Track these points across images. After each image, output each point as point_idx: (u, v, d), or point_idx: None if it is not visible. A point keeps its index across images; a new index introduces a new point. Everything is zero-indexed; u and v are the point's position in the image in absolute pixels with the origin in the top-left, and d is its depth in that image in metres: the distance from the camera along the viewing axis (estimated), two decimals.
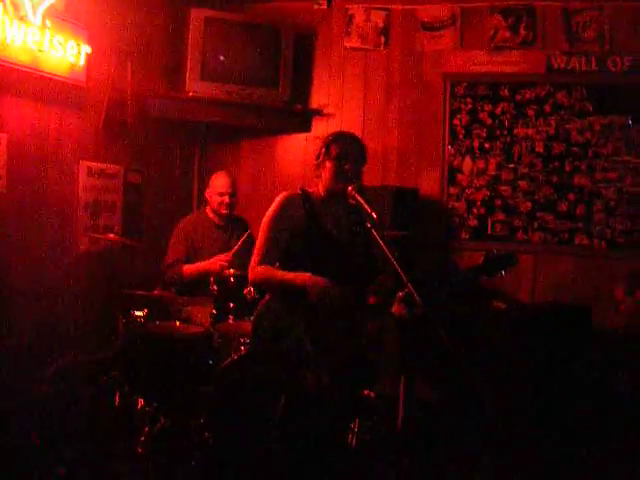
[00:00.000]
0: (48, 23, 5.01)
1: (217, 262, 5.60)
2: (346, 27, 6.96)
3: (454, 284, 4.06)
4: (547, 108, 6.54)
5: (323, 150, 4.05)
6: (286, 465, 3.96)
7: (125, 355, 5.00)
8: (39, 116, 5.32)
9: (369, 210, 3.76)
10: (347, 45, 6.99)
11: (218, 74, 6.59)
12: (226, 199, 5.88)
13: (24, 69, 4.95)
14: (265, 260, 3.99)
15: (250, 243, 5.79)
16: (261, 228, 4.07)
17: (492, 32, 6.64)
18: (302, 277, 3.84)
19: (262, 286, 4.24)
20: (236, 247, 5.64)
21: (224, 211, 5.91)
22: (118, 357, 5.06)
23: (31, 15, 4.88)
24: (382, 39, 6.91)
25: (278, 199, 4.07)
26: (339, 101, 7.02)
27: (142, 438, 4.67)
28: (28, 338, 5.23)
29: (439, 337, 3.36)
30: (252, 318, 4.18)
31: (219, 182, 5.95)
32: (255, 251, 4.06)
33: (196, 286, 5.66)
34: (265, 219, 4.05)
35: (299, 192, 4.09)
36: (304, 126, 7.09)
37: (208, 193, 6.03)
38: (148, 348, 4.94)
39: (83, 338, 5.65)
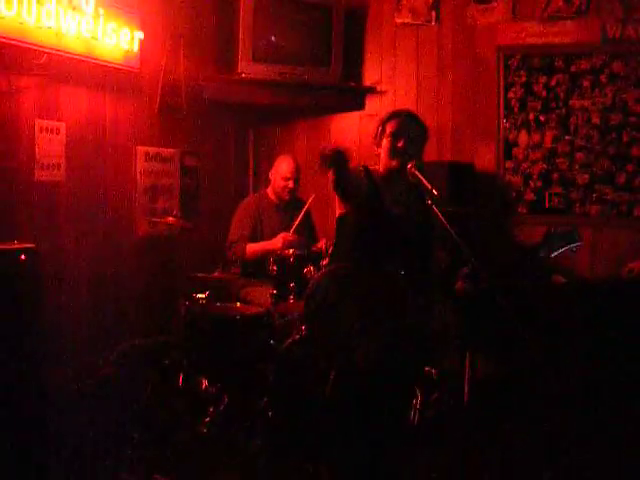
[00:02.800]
0: (101, 11, 5.04)
1: (280, 240, 5.63)
2: (396, 3, 6.91)
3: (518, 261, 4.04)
4: (603, 78, 6.43)
5: (380, 129, 4.06)
6: (346, 443, 3.97)
7: (188, 337, 5.05)
8: (95, 103, 5.37)
9: (429, 187, 3.76)
10: (398, 21, 6.94)
11: (269, 55, 6.59)
12: (290, 184, 5.93)
13: (79, 57, 5.00)
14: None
15: (309, 221, 5.82)
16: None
17: (545, 2, 6.54)
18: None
19: None
20: (296, 222, 5.65)
21: (287, 196, 5.95)
22: (181, 339, 5.11)
23: (84, 4, 4.92)
24: (433, 14, 6.85)
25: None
26: (392, 78, 6.98)
27: (206, 419, 4.72)
28: (91, 323, 5.31)
29: (503, 312, 3.35)
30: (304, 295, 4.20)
31: (285, 166, 6.00)
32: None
33: (257, 267, 5.70)
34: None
35: (361, 167, 4.11)
36: (357, 104, 7.06)
37: (272, 175, 6.09)
38: (210, 329, 4.98)
39: (145, 321, 5.72)
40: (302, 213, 5.74)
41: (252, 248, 5.79)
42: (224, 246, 5.92)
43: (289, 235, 5.63)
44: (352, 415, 3.89)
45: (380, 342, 3.84)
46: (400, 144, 4.02)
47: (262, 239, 5.84)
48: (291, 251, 5.34)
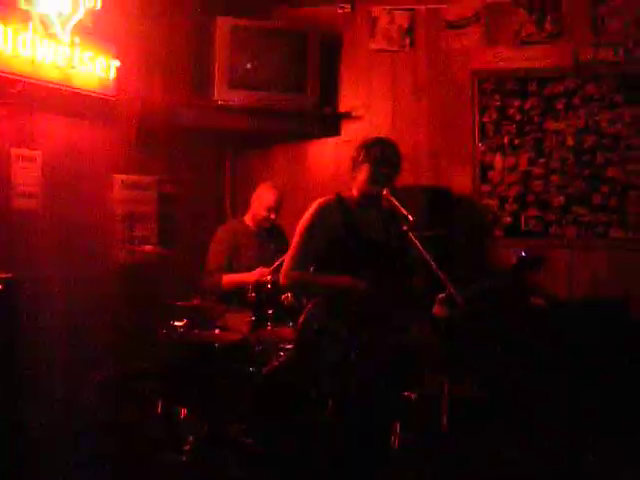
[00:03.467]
0: (77, 39, 5.04)
1: (257, 275, 5.61)
2: (371, 29, 6.97)
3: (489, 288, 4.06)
4: (576, 101, 6.50)
5: (362, 153, 4.07)
6: (329, 468, 3.97)
7: (166, 365, 5.03)
8: (71, 132, 5.36)
9: (405, 212, 3.78)
10: (373, 47, 6.99)
11: (246, 82, 6.62)
12: (272, 214, 5.89)
13: (55, 86, 4.98)
14: (299, 266, 4.02)
15: (284, 250, 5.81)
16: (296, 234, 4.09)
17: (517, 27, 6.62)
18: (343, 279, 3.87)
19: (296, 290, 4.28)
20: (277, 262, 5.63)
21: (267, 225, 5.93)
22: (159, 367, 5.09)
23: (60, 33, 4.91)
24: (407, 40, 6.91)
25: (313, 207, 4.09)
26: (367, 103, 7.02)
27: (186, 447, 4.70)
28: (69, 351, 5.28)
29: (481, 335, 3.36)
30: (295, 325, 4.20)
31: (268, 196, 5.94)
32: (289, 257, 4.09)
33: (234, 294, 5.69)
34: (300, 226, 4.08)
35: (334, 198, 4.11)
36: (333, 130, 7.10)
37: (253, 202, 6.03)
38: (189, 357, 4.97)
39: (124, 349, 5.68)
40: (283, 257, 5.71)
41: (228, 279, 5.77)
42: (201, 275, 5.90)
43: (267, 272, 5.59)
44: (351, 439, 3.89)
45: (372, 368, 3.85)
46: (385, 170, 4.03)
47: (239, 266, 5.83)
48: (269, 278, 5.34)
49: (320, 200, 4.11)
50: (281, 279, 4.09)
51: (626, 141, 6.36)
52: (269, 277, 5.36)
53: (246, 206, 6.18)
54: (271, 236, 6.02)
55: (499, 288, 4.00)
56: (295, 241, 4.08)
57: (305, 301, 4.29)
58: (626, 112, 6.36)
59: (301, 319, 4.10)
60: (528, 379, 5.07)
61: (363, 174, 4.05)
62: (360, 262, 3.96)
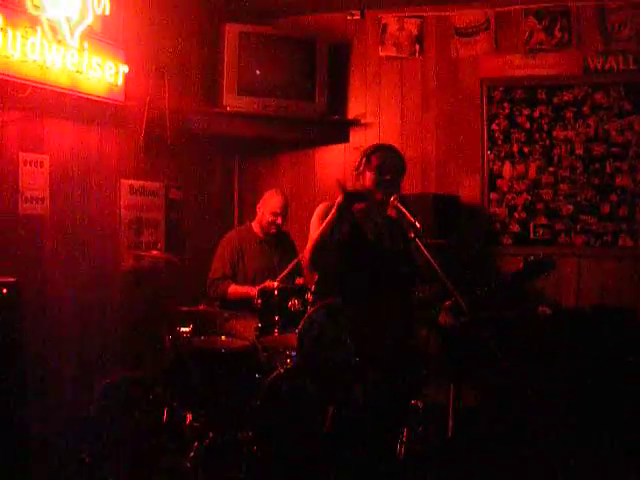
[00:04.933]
0: (86, 45, 5.05)
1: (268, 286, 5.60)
2: (380, 36, 6.97)
3: (495, 290, 4.04)
4: (585, 109, 6.49)
5: (364, 160, 4.07)
6: (335, 477, 3.96)
7: (172, 371, 5.02)
8: (80, 136, 5.37)
9: (412, 219, 3.76)
10: (382, 54, 7.00)
11: (254, 88, 6.63)
12: (279, 220, 5.93)
13: (64, 91, 4.99)
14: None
15: (297, 267, 5.79)
16: (312, 220, 4.12)
17: (527, 35, 6.61)
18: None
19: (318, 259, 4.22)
20: (284, 273, 5.62)
21: (274, 230, 5.94)
22: (165, 373, 5.08)
23: (69, 38, 4.92)
24: (417, 47, 6.90)
25: (319, 208, 4.09)
26: (376, 110, 7.03)
27: (191, 454, 4.68)
28: (75, 357, 5.28)
29: (487, 344, 3.34)
30: (297, 331, 4.17)
31: (274, 202, 5.97)
32: (311, 236, 4.10)
33: (241, 300, 5.69)
34: (315, 214, 4.10)
35: None
36: (342, 137, 7.10)
37: (260, 208, 6.06)
38: (195, 363, 4.95)
39: (130, 356, 5.68)
40: (289, 267, 5.72)
41: (234, 289, 5.81)
42: (206, 282, 5.90)
43: (273, 285, 5.53)
44: (352, 449, 3.87)
45: (378, 375, 3.83)
46: (387, 177, 4.02)
47: (245, 273, 5.85)
48: (275, 284, 5.34)
49: (325, 202, 4.14)
50: (305, 256, 4.09)
51: (635, 149, 6.34)
52: (275, 284, 5.35)
53: (253, 212, 6.19)
54: (278, 243, 6.05)
55: (502, 290, 3.98)
56: (312, 223, 4.11)
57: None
58: (635, 121, 6.34)
59: (301, 325, 4.08)
60: (534, 387, 5.05)
61: (366, 181, 4.05)
62: (364, 267, 3.94)
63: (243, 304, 5.62)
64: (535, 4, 6.56)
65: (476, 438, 4.71)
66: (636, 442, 5.08)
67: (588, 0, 6.43)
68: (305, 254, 4.10)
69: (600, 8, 6.41)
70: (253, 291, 5.59)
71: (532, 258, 4.00)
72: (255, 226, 6.07)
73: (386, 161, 4.06)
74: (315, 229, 4.07)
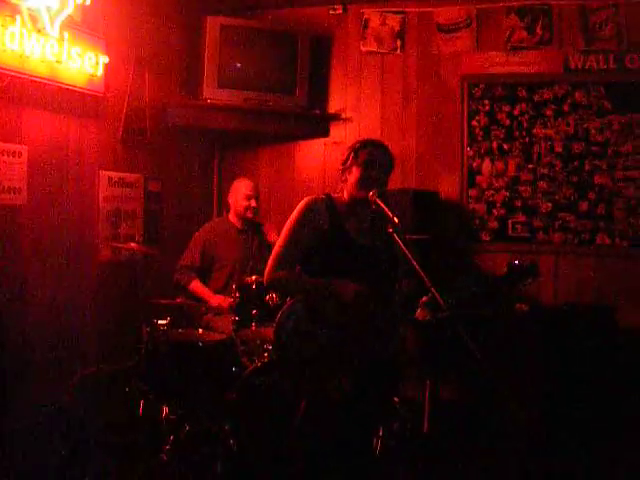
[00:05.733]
0: (66, 35, 5.03)
1: (218, 302, 5.66)
2: (362, 31, 6.96)
3: (476, 292, 4.02)
4: (565, 108, 6.51)
5: (351, 155, 4.02)
6: (310, 472, 3.94)
7: (149, 363, 5.00)
8: (58, 127, 5.34)
9: (391, 215, 3.74)
10: (363, 49, 6.99)
11: (235, 81, 6.62)
12: (253, 202, 5.95)
13: (43, 81, 4.98)
14: (284, 265, 3.96)
15: (267, 250, 5.79)
16: (283, 231, 4.04)
17: (508, 33, 6.62)
18: (332, 283, 3.82)
19: (280, 289, 4.22)
20: (235, 301, 5.39)
21: (250, 214, 5.95)
22: (142, 366, 5.06)
23: (49, 27, 4.90)
24: (398, 42, 6.90)
25: (302, 203, 4.04)
26: (357, 105, 7.02)
27: (167, 447, 4.67)
28: (51, 349, 5.25)
29: (463, 341, 3.34)
30: (274, 324, 4.15)
31: (244, 186, 6.01)
32: (274, 254, 4.02)
33: (219, 293, 5.69)
34: (287, 223, 4.03)
35: (323, 197, 4.07)
36: (322, 131, 7.09)
37: (232, 198, 6.08)
38: (172, 356, 4.93)
39: (106, 348, 5.67)
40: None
41: (195, 287, 5.83)
42: (175, 267, 5.92)
43: (251, 279, 5.44)
44: (323, 445, 3.85)
45: (354, 371, 3.81)
46: (374, 173, 3.98)
47: (223, 262, 5.85)
48: (253, 278, 5.33)
49: (309, 198, 4.06)
50: (265, 277, 4.03)
51: (614, 148, 6.37)
52: (253, 277, 5.33)
53: (227, 205, 6.22)
54: (255, 233, 6.06)
55: (484, 293, 3.97)
56: (281, 238, 4.02)
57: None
58: (615, 120, 6.37)
59: (277, 318, 4.05)
60: (510, 384, 5.07)
61: (353, 177, 4.01)
62: (345, 265, 3.92)
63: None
64: (517, 2, 6.58)
65: (452, 433, 4.73)
66: (610, 434, 5.12)
67: None
68: (265, 275, 4.04)
69: (582, 7, 6.43)
70: (210, 299, 5.68)
71: (516, 263, 3.97)
72: (232, 217, 6.07)
73: (374, 157, 4.02)
74: (289, 230, 4.00)
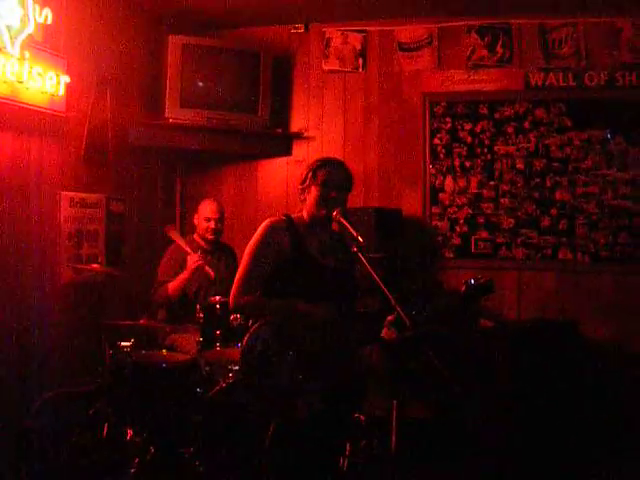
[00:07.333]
0: (27, 54, 4.97)
1: (192, 264, 5.71)
2: (324, 50, 6.99)
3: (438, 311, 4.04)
4: (526, 125, 6.58)
5: (309, 175, 4.03)
6: None
7: (112, 386, 4.95)
8: (19, 147, 5.27)
9: (355, 234, 3.75)
10: (325, 68, 7.01)
11: (197, 100, 6.60)
12: (212, 224, 6.01)
13: (3, 101, 4.91)
14: (248, 289, 3.96)
15: (234, 270, 5.78)
16: (244, 255, 4.04)
17: (469, 51, 6.68)
18: (297, 305, 3.81)
19: (246, 313, 4.22)
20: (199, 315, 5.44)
21: (210, 236, 6.03)
22: (105, 388, 5.01)
23: (9, 46, 4.84)
24: (360, 61, 6.94)
25: (262, 227, 4.04)
26: (319, 124, 7.04)
27: (132, 470, 4.62)
28: (14, 371, 5.18)
29: (428, 358, 3.35)
30: (240, 346, 4.14)
31: (206, 208, 6.09)
32: (237, 279, 4.02)
33: (182, 314, 5.66)
34: (249, 247, 4.03)
35: (283, 218, 4.07)
36: (285, 150, 7.09)
37: (196, 219, 6.17)
38: (135, 378, 4.89)
39: (69, 370, 5.60)
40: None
41: (173, 285, 5.81)
42: (151, 290, 5.87)
43: (196, 257, 5.73)
44: (291, 465, 3.84)
45: (321, 391, 3.80)
46: (333, 194, 3.99)
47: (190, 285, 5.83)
48: (217, 298, 5.31)
49: (269, 220, 4.07)
50: (230, 302, 4.02)
51: (574, 165, 6.45)
52: (217, 298, 5.32)
53: (193, 226, 6.25)
54: (221, 255, 6.13)
55: (448, 311, 3.99)
56: (244, 263, 4.02)
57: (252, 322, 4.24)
58: (575, 136, 6.45)
59: (245, 340, 4.04)
60: (476, 401, 5.08)
61: (312, 196, 4.01)
62: (308, 285, 3.92)
63: (186, 317, 5.60)
64: (477, 21, 6.64)
65: (420, 451, 4.72)
66: (577, 447, 5.15)
67: (529, 18, 6.53)
68: (231, 299, 4.04)
69: (541, 26, 6.51)
70: (186, 273, 5.74)
71: (472, 281, 3.98)
72: (197, 237, 6.12)
73: (332, 177, 4.02)
74: (251, 253, 4.00)
